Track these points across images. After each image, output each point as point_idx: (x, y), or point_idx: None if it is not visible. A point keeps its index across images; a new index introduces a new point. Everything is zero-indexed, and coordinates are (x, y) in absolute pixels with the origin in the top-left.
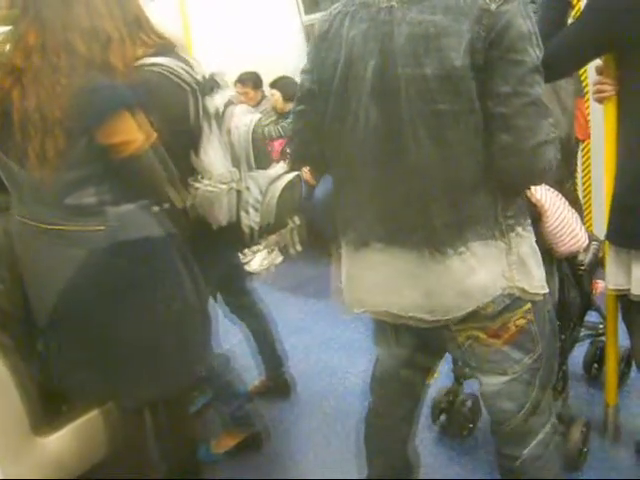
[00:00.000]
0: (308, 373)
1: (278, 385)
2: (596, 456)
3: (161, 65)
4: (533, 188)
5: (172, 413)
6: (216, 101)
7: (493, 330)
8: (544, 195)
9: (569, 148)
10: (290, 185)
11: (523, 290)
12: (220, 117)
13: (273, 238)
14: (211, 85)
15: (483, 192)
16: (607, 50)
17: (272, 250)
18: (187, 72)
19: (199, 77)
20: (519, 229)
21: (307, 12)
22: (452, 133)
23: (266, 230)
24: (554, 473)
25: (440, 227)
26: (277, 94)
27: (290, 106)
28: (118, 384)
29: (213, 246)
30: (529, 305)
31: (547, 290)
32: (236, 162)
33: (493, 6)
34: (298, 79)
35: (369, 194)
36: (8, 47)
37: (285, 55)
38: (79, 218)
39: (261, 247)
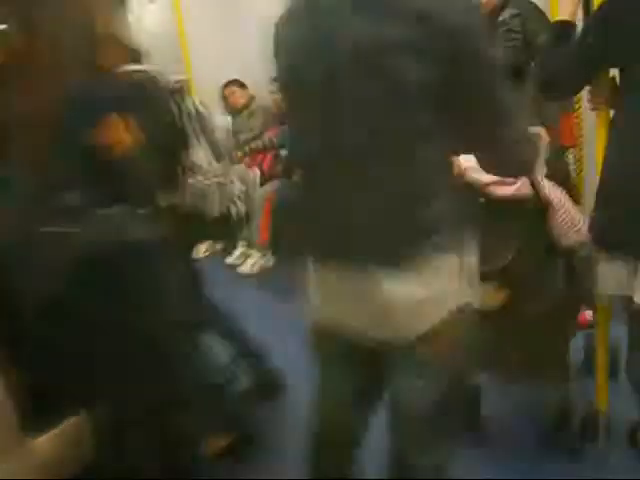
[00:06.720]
0: (301, 377)
1: (266, 382)
2: (590, 453)
3: (145, 71)
4: (541, 183)
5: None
6: (192, 102)
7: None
8: (550, 190)
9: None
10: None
11: (471, 306)
12: (201, 116)
13: None
14: (180, 89)
15: (440, 199)
16: (612, 65)
17: (264, 254)
18: (160, 77)
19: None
20: (468, 236)
21: None
22: (398, 148)
23: (249, 217)
24: None
25: (395, 240)
26: None
27: None
28: (98, 391)
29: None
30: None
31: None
32: (219, 158)
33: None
34: None
35: (322, 206)
36: None
37: None
38: (63, 220)
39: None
